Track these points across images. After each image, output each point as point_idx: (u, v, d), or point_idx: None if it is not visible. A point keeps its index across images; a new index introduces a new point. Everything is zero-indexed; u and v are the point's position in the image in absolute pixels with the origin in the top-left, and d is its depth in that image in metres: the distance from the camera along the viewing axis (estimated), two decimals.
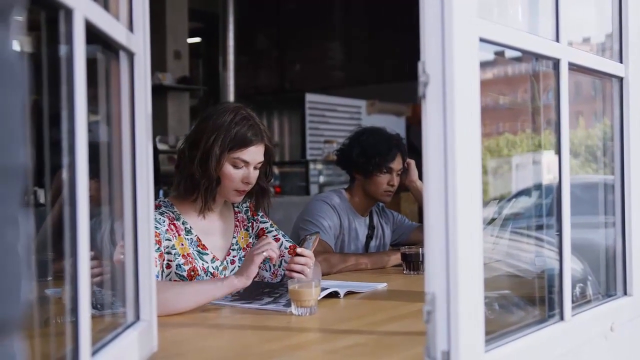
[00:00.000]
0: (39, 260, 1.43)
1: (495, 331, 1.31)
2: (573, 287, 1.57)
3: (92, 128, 1.07)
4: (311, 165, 7.34)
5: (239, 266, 2.25)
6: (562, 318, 1.49)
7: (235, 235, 2.32)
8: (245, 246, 2.33)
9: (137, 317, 1.34)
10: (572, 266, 1.54)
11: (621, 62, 1.77)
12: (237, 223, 2.34)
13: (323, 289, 2.01)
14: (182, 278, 2.13)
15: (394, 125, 5.39)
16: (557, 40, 1.49)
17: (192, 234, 2.19)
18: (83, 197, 0.99)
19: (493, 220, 2.01)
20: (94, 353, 1.06)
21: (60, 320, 1.48)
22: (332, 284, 2.18)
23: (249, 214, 2.38)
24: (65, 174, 0.99)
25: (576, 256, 1.63)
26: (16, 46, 0.54)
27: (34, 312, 1.10)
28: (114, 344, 1.18)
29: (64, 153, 0.98)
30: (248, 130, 2.15)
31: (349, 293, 2.16)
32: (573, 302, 1.53)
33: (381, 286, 2.32)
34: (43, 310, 1.32)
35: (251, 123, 2.17)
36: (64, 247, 1.01)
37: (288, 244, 2.34)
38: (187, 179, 2.17)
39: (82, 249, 0.99)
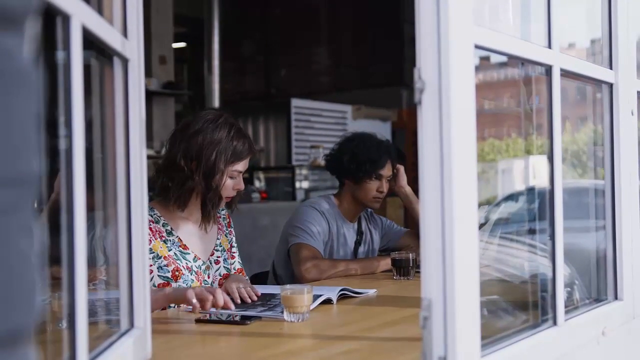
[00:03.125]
0: None
1: (490, 336, 1.31)
2: None
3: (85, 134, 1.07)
4: (297, 171, 7.32)
5: (224, 266, 2.38)
6: (555, 323, 1.49)
7: (218, 237, 2.41)
8: (226, 249, 2.43)
9: (132, 325, 1.33)
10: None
11: (611, 68, 1.79)
12: (220, 226, 2.44)
13: (316, 297, 2.01)
14: (166, 279, 2.20)
15: (380, 130, 5.39)
16: (549, 46, 1.50)
17: (173, 235, 2.26)
18: (80, 203, 0.98)
19: (482, 225, 2.01)
20: None
21: (50, 328, 1.47)
22: (324, 290, 2.17)
23: (226, 222, 2.48)
24: (62, 180, 0.98)
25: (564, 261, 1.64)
26: (30, 54, 0.54)
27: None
28: (110, 351, 1.17)
29: (62, 159, 0.97)
30: (245, 144, 2.27)
31: (342, 297, 2.16)
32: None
33: (371, 292, 2.33)
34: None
35: (244, 135, 2.30)
36: (53, 254, 1.00)
37: (238, 266, 2.43)
38: (187, 193, 2.23)
39: (79, 256, 0.98)
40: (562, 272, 1.52)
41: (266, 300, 2.10)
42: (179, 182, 2.22)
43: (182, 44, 10.07)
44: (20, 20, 0.52)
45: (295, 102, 7.88)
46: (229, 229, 2.49)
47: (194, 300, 1.86)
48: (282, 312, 1.86)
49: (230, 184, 2.27)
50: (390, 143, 3.12)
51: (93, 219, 1.39)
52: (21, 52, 0.53)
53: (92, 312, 1.35)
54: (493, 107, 1.97)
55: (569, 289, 1.75)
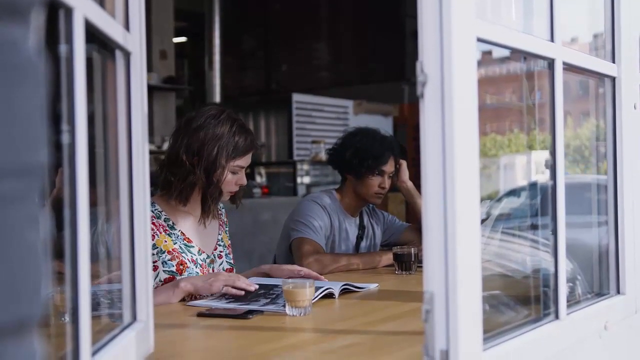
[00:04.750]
0: None
1: (492, 330, 1.31)
2: None
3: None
4: (298, 166, 7.31)
5: (226, 261, 2.41)
6: (557, 317, 1.49)
7: (220, 232, 2.44)
8: (227, 245, 2.45)
9: (134, 318, 1.33)
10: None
11: (614, 62, 1.78)
12: (221, 222, 2.46)
13: (317, 289, 2.01)
14: (171, 273, 2.21)
15: (381, 125, 5.39)
16: (552, 40, 1.49)
17: (175, 229, 2.28)
18: (83, 197, 0.98)
19: (483, 220, 2.01)
20: (94, 354, 1.06)
21: (53, 322, 1.47)
22: (326, 284, 2.17)
23: (225, 220, 2.51)
24: (65, 175, 0.98)
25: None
26: (35, 45, 0.53)
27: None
28: (113, 344, 1.17)
29: (64, 153, 0.97)
30: (247, 139, 2.28)
31: (344, 292, 2.16)
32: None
33: (373, 286, 2.33)
34: None
35: (246, 130, 2.30)
36: (54, 248, 1.00)
37: (227, 266, 2.43)
38: (188, 187, 2.24)
39: (82, 250, 0.98)
40: (565, 266, 1.52)
41: (268, 291, 2.11)
42: (181, 177, 2.23)
43: (182, 39, 10.06)
44: (25, 11, 0.52)
45: (297, 97, 7.88)
46: (226, 228, 2.51)
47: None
48: (284, 306, 1.86)
49: (233, 179, 2.28)
50: (394, 138, 3.11)
51: (95, 214, 1.39)
52: (27, 43, 0.53)
53: (94, 305, 1.35)
54: (495, 102, 1.97)
55: (571, 283, 1.75)
